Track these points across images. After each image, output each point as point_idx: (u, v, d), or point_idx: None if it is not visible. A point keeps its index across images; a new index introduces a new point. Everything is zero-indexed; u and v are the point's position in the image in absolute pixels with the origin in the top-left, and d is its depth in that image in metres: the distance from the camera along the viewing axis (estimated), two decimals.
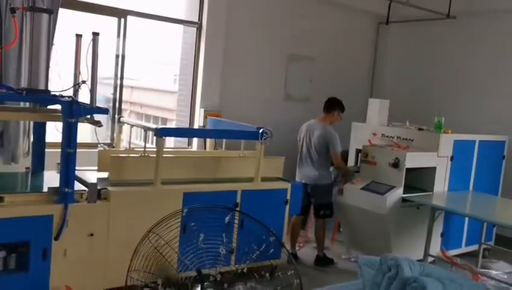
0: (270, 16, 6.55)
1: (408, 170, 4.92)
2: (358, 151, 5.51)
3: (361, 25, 7.67)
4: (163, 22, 5.93)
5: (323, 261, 5.24)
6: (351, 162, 5.73)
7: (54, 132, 3.80)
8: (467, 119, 6.49)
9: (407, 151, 4.99)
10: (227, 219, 3.23)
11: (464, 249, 5.67)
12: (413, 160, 4.97)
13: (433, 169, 5.15)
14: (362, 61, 7.83)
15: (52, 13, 3.63)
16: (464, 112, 6.66)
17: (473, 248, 5.59)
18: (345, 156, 5.53)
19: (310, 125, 5.29)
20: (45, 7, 4.30)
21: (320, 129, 5.14)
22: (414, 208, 5.01)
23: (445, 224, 5.34)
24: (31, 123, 4.37)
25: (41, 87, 3.70)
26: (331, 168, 5.32)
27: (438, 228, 5.23)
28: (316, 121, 5.27)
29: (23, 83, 4.23)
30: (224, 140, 5.12)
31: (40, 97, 3.60)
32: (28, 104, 4.01)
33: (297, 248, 5.41)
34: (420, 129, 5.43)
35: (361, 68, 7.83)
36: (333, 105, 5.27)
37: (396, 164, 4.89)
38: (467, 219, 5.48)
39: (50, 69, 4.26)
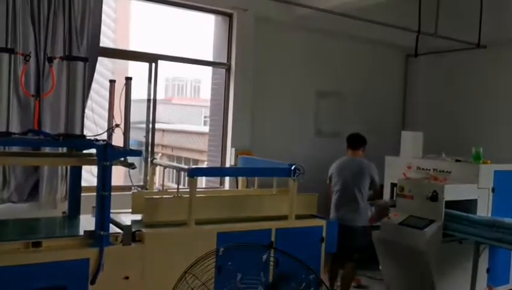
0: (298, 53, 6.62)
1: (446, 203, 4.76)
2: (393, 185, 5.40)
3: (390, 58, 7.65)
4: (192, 65, 6.07)
5: None
6: (386, 196, 5.59)
7: (86, 177, 3.85)
8: (506, 148, 6.28)
9: (446, 183, 4.84)
10: (264, 257, 3.15)
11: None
12: (453, 192, 4.81)
13: (474, 201, 4.96)
14: (393, 94, 7.77)
15: (87, 61, 3.76)
16: (501, 141, 6.46)
17: None
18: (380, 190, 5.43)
19: (343, 162, 5.24)
20: (81, 55, 4.46)
21: (359, 164, 5.13)
22: (456, 243, 4.81)
23: (491, 258, 5.09)
24: (68, 168, 4.46)
25: (77, 132, 3.78)
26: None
27: (484, 263, 4.98)
28: (350, 157, 5.23)
29: (60, 129, 4.35)
30: (256, 178, 5.09)
31: (76, 142, 3.68)
32: (64, 150, 4.11)
33: None
34: (457, 161, 5.28)
35: (392, 101, 7.76)
36: (360, 142, 5.28)
37: (434, 197, 4.74)
38: None
39: (85, 115, 4.38)
